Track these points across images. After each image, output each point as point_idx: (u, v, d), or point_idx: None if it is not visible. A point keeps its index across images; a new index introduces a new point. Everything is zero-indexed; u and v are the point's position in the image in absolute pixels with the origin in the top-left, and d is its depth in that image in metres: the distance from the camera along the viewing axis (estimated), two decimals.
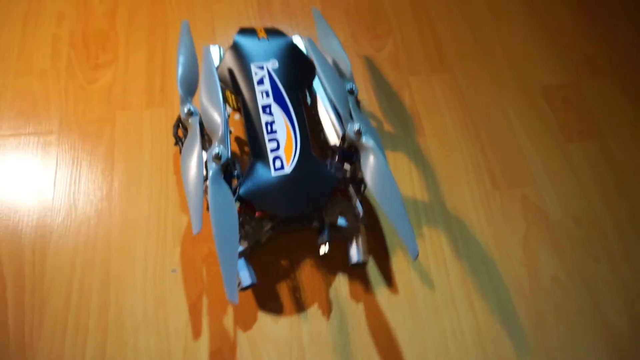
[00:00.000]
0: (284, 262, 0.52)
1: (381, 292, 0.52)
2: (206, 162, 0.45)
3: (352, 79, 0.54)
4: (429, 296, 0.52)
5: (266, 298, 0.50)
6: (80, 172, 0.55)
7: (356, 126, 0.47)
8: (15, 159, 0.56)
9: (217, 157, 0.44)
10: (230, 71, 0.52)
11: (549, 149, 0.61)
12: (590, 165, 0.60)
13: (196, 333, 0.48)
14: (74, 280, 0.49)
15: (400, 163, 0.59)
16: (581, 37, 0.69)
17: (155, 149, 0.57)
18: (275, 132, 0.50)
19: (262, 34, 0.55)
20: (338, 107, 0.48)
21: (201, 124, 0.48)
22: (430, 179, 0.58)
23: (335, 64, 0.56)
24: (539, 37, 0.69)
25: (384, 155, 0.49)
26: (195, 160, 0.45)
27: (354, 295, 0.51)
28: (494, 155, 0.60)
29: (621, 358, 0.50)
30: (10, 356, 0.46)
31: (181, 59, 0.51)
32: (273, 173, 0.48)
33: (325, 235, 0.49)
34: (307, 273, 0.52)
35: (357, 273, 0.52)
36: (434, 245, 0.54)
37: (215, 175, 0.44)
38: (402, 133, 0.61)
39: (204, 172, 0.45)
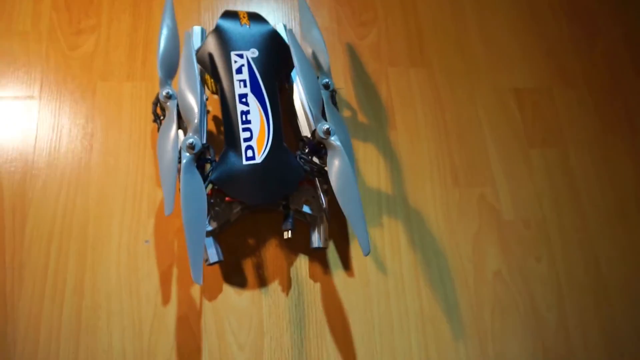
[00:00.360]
0: (250, 241, 0.56)
1: (338, 274, 0.56)
2: (181, 149, 0.48)
3: (329, 73, 0.56)
4: (382, 281, 0.57)
5: (231, 273, 0.55)
6: (60, 139, 0.58)
7: (325, 126, 0.50)
8: None
9: (191, 147, 0.47)
10: (211, 56, 0.54)
11: (512, 152, 0.65)
12: (547, 172, 0.64)
13: (165, 300, 0.53)
14: (52, 246, 0.53)
15: (369, 154, 0.62)
16: (561, 45, 0.71)
17: (134, 122, 0.59)
18: (250, 122, 0.52)
19: (244, 20, 0.56)
20: (309, 105, 0.51)
21: (179, 108, 0.50)
22: (396, 172, 0.62)
23: (314, 56, 0.57)
24: (521, 39, 0.71)
25: (352, 154, 0.52)
26: (170, 145, 0.48)
27: (313, 276, 0.56)
28: (459, 154, 0.63)
29: (545, 347, 0.56)
30: None
31: (162, 40, 0.52)
32: (244, 162, 0.51)
33: (289, 223, 0.52)
34: (271, 252, 0.56)
35: (318, 256, 0.57)
36: (391, 235, 0.59)
37: (188, 164, 0.47)
38: (374, 125, 0.64)
39: (178, 157, 0.48)
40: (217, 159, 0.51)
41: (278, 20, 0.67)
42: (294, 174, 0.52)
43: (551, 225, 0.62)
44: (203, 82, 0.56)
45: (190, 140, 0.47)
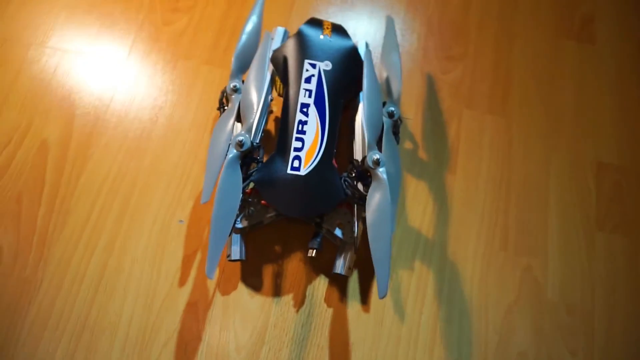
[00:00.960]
0: (277, 248, 0.56)
1: (353, 306, 0.55)
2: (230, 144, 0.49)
3: (397, 101, 0.54)
4: (396, 326, 0.54)
5: (250, 274, 0.55)
6: (132, 105, 0.61)
7: (376, 156, 0.48)
8: (84, 72, 0.62)
9: (240, 144, 0.48)
10: (285, 59, 0.54)
11: (575, 229, 0.59)
12: (610, 260, 0.58)
13: (182, 281, 0.54)
14: (98, 202, 0.56)
15: (420, 193, 0.59)
16: None
17: (201, 105, 0.61)
18: (304, 132, 0.52)
19: (327, 31, 0.56)
20: (366, 130, 0.49)
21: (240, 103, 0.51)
22: (443, 217, 0.59)
23: (387, 81, 0.56)
24: (618, 113, 0.65)
25: (397, 190, 0.50)
26: (223, 137, 0.49)
27: (327, 300, 0.55)
28: (515, 216, 0.59)
29: None
30: (32, 247, 0.54)
31: (244, 35, 0.53)
32: (288, 170, 0.50)
33: (316, 242, 0.52)
34: (294, 264, 0.56)
35: (338, 282, 0.55)
36: (419, 281, 0.56)
37: (232, 160, 0.47)
38: (433, 164, 0.61)
39: (227, 152, 0.48)
40: (265, 160, 0.52)
41: (364, 35, 0.66)
42: (334, 194, 0.51)
43: (599, 318, 0.56)
44: (273, 82, 0.56)
45: (241, 138, 0.48)
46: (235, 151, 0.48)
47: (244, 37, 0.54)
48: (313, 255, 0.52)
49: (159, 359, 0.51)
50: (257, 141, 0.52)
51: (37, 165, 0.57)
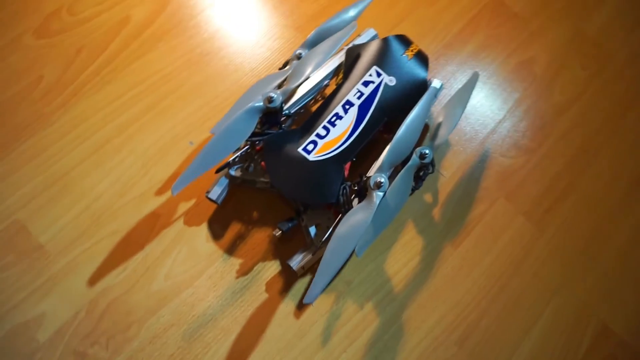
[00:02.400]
0: (255, 213, 0.56)
1: (288, 304, 0.53)
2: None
3: (435, 149, 0.52)
4: (313, 347, 0.52)
5: (218, 222, 0.55)
6: (219, 29, 0.64)
7: (380, 179, 0.47)
8: None
9: (269, 100, 0.48)
10: (358, 56, 0.54)
11: None
12: None
13: (159, 192, 0.55)
14: (139, 87, 0.60)
15: (412, 245, 0.57)
16: None
17: (272, 56, 0.63)
18: (334, 125, 0.51)
19: (410, 53, 0.55)
20: (385, 152, 0.48)
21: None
22: (419, 280, 0.55)
23: (438, 126, 0.54)
24: None
25: (383, 223, 0.48)
26: (259, 90, 0.50)
27: (270, 285, 0.53)
28: (488, 324, 0.54)
29: None
30: (64, 93, 0.58)
31: (336, 18, 0.54)
32: (299, 149, 0.50)
33: (286, 225, 0.51)
34: (260, 237, 0.55)
35: (290, 275, 0.54)
36: (361, 322, 0.53)
37: (254, 109, 0.48)
38: (442, 228, 0.58)
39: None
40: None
41: (442, 79, 0.64)
42: (327, 194, 0.49)
43: None
44: (336, 72, 0.56)
45: (272, 95, 0.48)
46: (262, 104, 0.48)
47: (335, 19, 0.55)
48: (277, 235, 0.51)
49: (99, 242, 0.53)
50: (291, 112, 0.52)
51: (110, 32, 0.61)
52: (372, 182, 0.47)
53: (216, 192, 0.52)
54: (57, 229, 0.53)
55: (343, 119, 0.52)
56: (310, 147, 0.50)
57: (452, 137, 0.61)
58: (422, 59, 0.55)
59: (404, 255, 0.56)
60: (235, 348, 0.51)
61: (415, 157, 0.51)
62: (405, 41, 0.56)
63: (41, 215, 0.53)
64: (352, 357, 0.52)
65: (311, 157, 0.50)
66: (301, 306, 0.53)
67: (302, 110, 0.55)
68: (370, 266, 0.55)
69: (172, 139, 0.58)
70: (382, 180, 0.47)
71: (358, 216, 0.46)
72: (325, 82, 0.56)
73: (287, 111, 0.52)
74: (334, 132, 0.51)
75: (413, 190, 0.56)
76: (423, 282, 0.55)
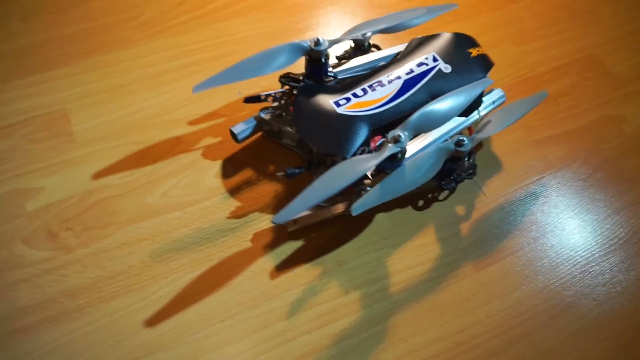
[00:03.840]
0: (271, 166, 0.53)
1: (267, 261, 0.47)
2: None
3: (474, 141, 0.47)
4: (274, 315, 0.44)
5: (232, 162, 0.53)
6: None
7: (400, 133, 0.42)
8: None
9: (316, 42, 0.48)
10: (419, 44, 0.53)
11: None
12: None
13: (192, 123, 0.56)
14: (186, 25, 0.65)
15: (421, 251, 0.48)
16: None
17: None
18: (374, 90, 0.49)
19: (475, 51, 0.52)
20: (416, 113, 0.44)
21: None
22: (418, 292, 0.46)
23: (487, 123, 0.49)
24: None
25: (390, 191, 0.42)
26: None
27: (256, 235, 0.49)
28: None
29: None
30: None
31: (406, 11, 0.54)
32: (329, 99, 0.48)
33: (293, 171, 0.47)
34: (267, 188, 0.52)
35: (282, 233, 0.49)
36: (337, 309, 0.45)
37: (298, 45, 0.47)
38: (463, 246, 0.49)
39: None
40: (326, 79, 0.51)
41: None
42: (342, 147, 0.46)
43: None
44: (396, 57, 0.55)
45: (320, 38, 0.48)
46: (307, 44, 0.48)
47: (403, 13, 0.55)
48: (279, 175, 0.48)
49: (120, 146, 0.54)
50: (338, 76, 0.51)
51: None
52: (389, 136, 0.43)
53: (239, 127, 0.52)
54: (92, 125, 0.55)
55: (385, 87, 0.49)
56: (342, 102, 0.48)
57: (508, 162, 0.55)
58: (485, 62, 0.52)
59: (413, 257, 0.48)
60: (196, 284, 0.46)
61: (450, 142, 0.46)
62: (472, 41, 0.53)
63: (85, 110, 0.56)
64: (315, 341, 0.43)
65: (340, 110, 0.48)
66: (280, 268, 0.47)
67: (347, 80, 0.54)
68: (371, 254, 0.48)
69: (225, 87, 0.59)
70: (402, 135, 0.42)
71: (363, 159, 0.41)
72: (382, 63, 0.55)
73: (332, 73, 0.52)
74: (371, 95, 0.49)
75: (444, 188, 0.50)
76: (427, 293, 0.46)
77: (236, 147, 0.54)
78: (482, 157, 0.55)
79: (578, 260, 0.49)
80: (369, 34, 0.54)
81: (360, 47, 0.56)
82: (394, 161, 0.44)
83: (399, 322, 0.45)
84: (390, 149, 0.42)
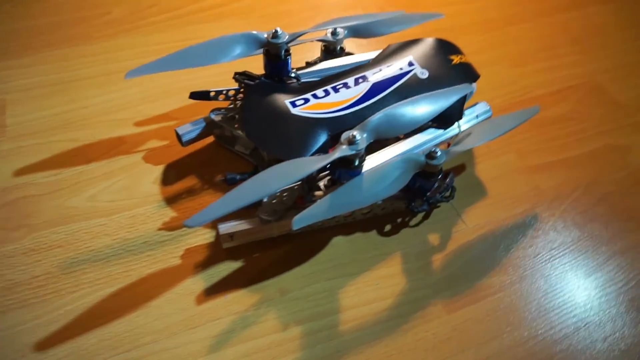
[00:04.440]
0: (218, 175, 0.46)
1: (196, 282, 0.40)
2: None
3: (450, 154, 0.39)
4: (198, 347, 0.36)
5: (176, 168, 0.47)
6: None
7: (356, 134, 0.35)
8: None
9: (274, 35, 0.42)
10: (397, 48, 0.47)
11: None
12: None
13: (139, 124, 0.50)
14: None
15: (384, 284, 0.40)
16: None
17: None
18: (337, 92, 0.43)
19: (457, 59, 0.46)
20: (375, 115, 0.37)
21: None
22: (375, 334, 0.38)
23: (466, 135, 0.41)
24: None
25: (340, 204, 0.35)
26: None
27: (188, 252, 0.41)
28: None
29: None
30: None
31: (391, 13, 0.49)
32: (284, 99, 0.42)
33: (233, 176, 0.41)
34: (210, 199, 0.44)
35: (218, 252, 0.41)
36: (276, 342, 0.37)
37: (254, 36, 0.42)
38: (433, 281, 0.41)
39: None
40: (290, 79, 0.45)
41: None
42: (291, 152, 0.39)
43: None
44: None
45: (278, 29, 0.42)
46: (264, 36, 0.43)
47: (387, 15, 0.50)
48: (217, 181, 0.42)
49: (54, 143, 0.48)
50: (300, 77, 0.45)
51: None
52: (343, 136, 0.36)
53: (185, 128, 0.45)
54: (28, 118, 0.50)
55: (350, 89, 0.43)
56: (299, 102, 0.42)
57: (495, 188, 0.47)
58: (469, 71, 0.46)
59: (373, 290, 0.40)
60: (106, 303, 0.38)
61: (420, 153, 0.39)
62: (455, 48, 0.47)
63: (25, 103, 0.51)
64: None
65: (295, 111, 0.41)
66: (211, 291, 0.39)
67: (311, 83, 0.47)
68: (321, 284, 0.40)
69: (181, 89, 0.54)
70: (357, 136, 0.36)
71: (307, 159, 0.35)
72: (357, 60, 0.49)
73: (295, 74, 0.46)
74: (333, 97, 0.42)
75: (414, 210, 0.42)
76: (385, 335, 0.38)
77: (183, 152, 0.48)
78: (463, 180, 0.48)
79: (573, 308, 0.40)
80: (340, 35, 0.48)
81: (332, 51, 0.50)
82: (350, 168, 0.37)
83: None
84: (342, 151, 0.35)
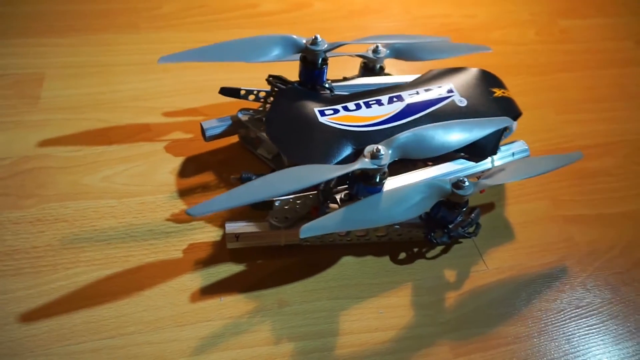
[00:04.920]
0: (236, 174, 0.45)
1: (193, 279, 0.38)
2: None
3: (479, 186, 0.37)
4: (184, 346, 0.34)
5: (195, 162, 0.46)
6: None
7: (380, 148, 0.33)
8: None
9: (314, 41, 0.41)
10: (438, 74, 0.45)
11: None
12: None
13: (167, 114, 0.50)
14: None
15: (389, 314, 0.37)
16: None
17: None
18: (369, 107, 0.41)
19: (500, 92, 0.44)
20: (404, 133, 0.35)
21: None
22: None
23: (500, 169, 0.39)
24: None
25: (353, 220, 0.33)
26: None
27: (192, 247, 0.40)
28: None
29: None
30: None
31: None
32: (314, 107, 0.41)
33: (248, 175, 0.39)
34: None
35: (223, 251, 0.40)
36: (265, 356, 0.34)
37: (293, 40, 0.41)
38: (443, 320, 0.38)
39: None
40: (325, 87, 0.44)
41: None
42: (311, 158, 0.37)
43: None
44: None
45: (318, 36, 0.41)
46: (303, 41, 0.42)
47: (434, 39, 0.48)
48: (232, 180, 0.40)
49: (81, 121, 0.48)
50: (334, 89, 0.44)
51: (233, 4, 0.66)
52: (367, 149, 0.34)
53: (210, 123, 0.44)
54: (62, 94, 0.50)
55: (383, 106, 0.42)
56: (328, 112, 0.41)
57: (523, 233, 0.44)
58: (510, 106, 0.44)
59: (376, 318, 0.37)
60: (99, 285, 0.37)
61: (447, 180, 0.37)
62: (498, 82, 0.45)
63: (62, 79, 0.52)
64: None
65: (322, 119, 0.40)
66: (207, 291, 0.37)
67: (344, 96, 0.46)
68: (323, 302, 0.38)
69: (214, 87, 0.52)
70: (382, 151, 0.34)
71: (325, 166, 0.33)
72: (393, 80, 0.47)
73: (329, 84, 0.44)
74: (364, 112, 0.41)
75: (433, 241, 0.39)
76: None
77: (205, 147, 0.47)
78: (490, 219, 0.45)
79: None
80: (382, 54, 0.47)
81: (371, 69, 0.49)
82: (369, 184, 0.35)
83: None
84: (363, 163, 0.33)
